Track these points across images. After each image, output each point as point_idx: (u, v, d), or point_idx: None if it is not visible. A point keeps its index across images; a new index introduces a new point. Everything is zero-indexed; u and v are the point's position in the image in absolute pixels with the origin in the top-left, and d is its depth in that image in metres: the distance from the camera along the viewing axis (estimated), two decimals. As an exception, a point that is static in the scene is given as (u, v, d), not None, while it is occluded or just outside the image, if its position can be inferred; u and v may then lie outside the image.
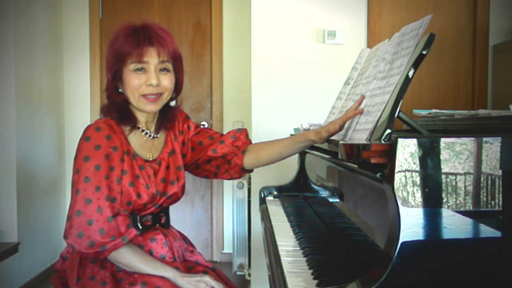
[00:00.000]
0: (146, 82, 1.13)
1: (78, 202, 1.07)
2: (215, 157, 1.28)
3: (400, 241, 0.66)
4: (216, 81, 3.13)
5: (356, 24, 2.40)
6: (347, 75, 1.34)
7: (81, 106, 3.11)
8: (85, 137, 1.11)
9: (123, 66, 1.14)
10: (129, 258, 1.10)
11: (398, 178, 0.68)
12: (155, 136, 1.24)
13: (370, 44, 2.38)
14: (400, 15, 2.46)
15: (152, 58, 1.13)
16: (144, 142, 1.21)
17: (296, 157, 1.77)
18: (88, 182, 1.07)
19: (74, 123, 3.09)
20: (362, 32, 2.41)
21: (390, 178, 0.69)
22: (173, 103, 1.28)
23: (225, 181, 3.14)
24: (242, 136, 1.31)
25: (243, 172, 1.30)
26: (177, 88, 1.23)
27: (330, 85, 2.31)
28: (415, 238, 0.66)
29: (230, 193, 2.96)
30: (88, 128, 1.13)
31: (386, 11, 2.45)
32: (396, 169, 0.68)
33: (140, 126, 1.21)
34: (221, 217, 3.17)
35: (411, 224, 0.67)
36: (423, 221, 0.67)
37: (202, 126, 1.36)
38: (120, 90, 1.18)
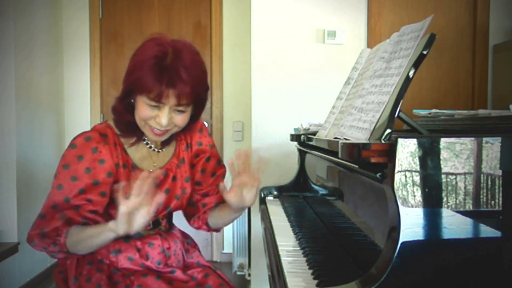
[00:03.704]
0: (156, 118, 1.06)
1: (45, 206, 1.06)
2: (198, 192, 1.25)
3: (400, 241, 0.66)
4: (216, 81, 3.13)
5: (356, 24, 2.41)
6: (348, 75, 1.34)
7: (81, 106, 3.11)
8: (72, 144, 1.08)
9: (138, 94, 1.05)
10: (76, 237, 1.02)
11: (398, 178, 0.68)
12: (162, 150, 1.19)
13: (370, 44, 2.38)
14: (400, 15, 2.46)
15: (169, 101, 1.03)
16: (147, 154, 1.17)
17: (296, 157, 1.77)
18: (60, 190, 1.05)
19: (74, 123, 3.09)
20: (362, 32, 2.41)
21: (390, 178, 0.69)
22: None
23: (225, 180, 3.13)
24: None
25: (208, 227, 1.26)
26: (191, 121, 1.14)
27: (330, 85, 2.31)
28: (415, 238, 0.66)
29: (230, 193, 2.95)
30: (78, 135, 1.09)
31: (386, 11, 2.45)
32: (396, 169, 0.68)
33: (145, 138, 1.16)
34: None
35: (411, 224, 0.67)
36: (423, 221, 0.67)
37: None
38: (132, 100, 1.09)
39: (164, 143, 1.18)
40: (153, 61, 1.02)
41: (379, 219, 0.80)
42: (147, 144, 1.17)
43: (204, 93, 1.11)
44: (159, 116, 1.05)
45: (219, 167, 1.29)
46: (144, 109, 1.05)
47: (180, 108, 1.06)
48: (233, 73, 3.11)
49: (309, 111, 2.33)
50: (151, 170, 1.15)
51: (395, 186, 0.67)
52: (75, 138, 1.09)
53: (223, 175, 1.30)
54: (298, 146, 1.73)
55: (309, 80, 2.38)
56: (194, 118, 1.15)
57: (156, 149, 1.18)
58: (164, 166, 1.18)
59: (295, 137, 1.72)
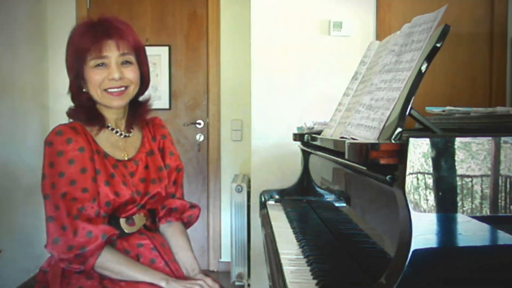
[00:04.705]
0: (108, 76, 1.17)
1: (48, 208, 1.12)
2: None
3: (412, 249, 0.66)
4: (213, 76, 3.13)
5: (364, 15, 2.41)
6: (355, 70, 1.34)
7: (67, 102, 3.11)
8: (47, 142, 1.15)
9: (83, 64, 1.17)
10: (115, 263, 1.12)
11: (410, 180, 0.68)
12: (127, 135, 1.27)
13: (379, 36, 2.38)
14: (411, 5, 2.46)
15: (112, 52, 1.17)
16: (116, 142, 1.24)
17: (299, 158, 1.77)
18: (54, 188, 1.12)
19: (60, 121, 3.09)
20: (370, 23, 2.41)
21: (400, 181, 0.69)
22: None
23: (222, 183, 3.14)
24: (186, 210, 1.34)
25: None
26: (144, 81, 1.26)
27: (336, 80, 2.31)
28: (428, 246, 0.66)
29: (228, 197, 2.96)
30: (49, 133, 1.16)
31: (396, 0, 2.45)
32: (407, 171, 0.68)
33: (109, 125, 1.24)
34: (218, 223, 3.18)
35: (424, 230, 0.67)
36: (437, 227, 0.67)
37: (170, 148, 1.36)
38: (84, 90, 1.21)
39: (128, 126, 1.27)
40: (83, 27, 1.18)
41: (389, 225, 0.80)
42: (112, 130, 1.24)
43: (141, 43, 1.24)
44: (110, 73, 1.17)
45: (179, 162, 1.37)
46: (93, 74, 1.17)
47: (125, 58, 1.18)
48: (231, 67, 3.11)
49: (313, 108, 2.33)
50: (123, 159, 1.23)
51: (406, 190, 0.68)
52: (47, 137, 1.16)
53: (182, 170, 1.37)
54: (301, 146, 1.74)
55: (314, 75, 2.38)
56: (145, 79, 1.26)
57: (122, 134, 1.26)
58: (134, 155, 1.25)
59: (298, 137, 1.72)
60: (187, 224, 1.36)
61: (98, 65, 1.17)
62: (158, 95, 3.12)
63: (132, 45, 1.20)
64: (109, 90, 1.18)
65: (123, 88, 1.19)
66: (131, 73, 1.20)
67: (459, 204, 0.68)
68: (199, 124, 3.17)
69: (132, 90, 1.22)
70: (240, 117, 3.11)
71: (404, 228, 0.68)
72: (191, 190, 3.12)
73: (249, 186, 2.57)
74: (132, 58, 1.20)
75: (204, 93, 3.17)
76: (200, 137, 3.18)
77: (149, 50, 1.32)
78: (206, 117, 3.16)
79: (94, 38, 1.15)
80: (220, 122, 3.16)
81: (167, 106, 3.15)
